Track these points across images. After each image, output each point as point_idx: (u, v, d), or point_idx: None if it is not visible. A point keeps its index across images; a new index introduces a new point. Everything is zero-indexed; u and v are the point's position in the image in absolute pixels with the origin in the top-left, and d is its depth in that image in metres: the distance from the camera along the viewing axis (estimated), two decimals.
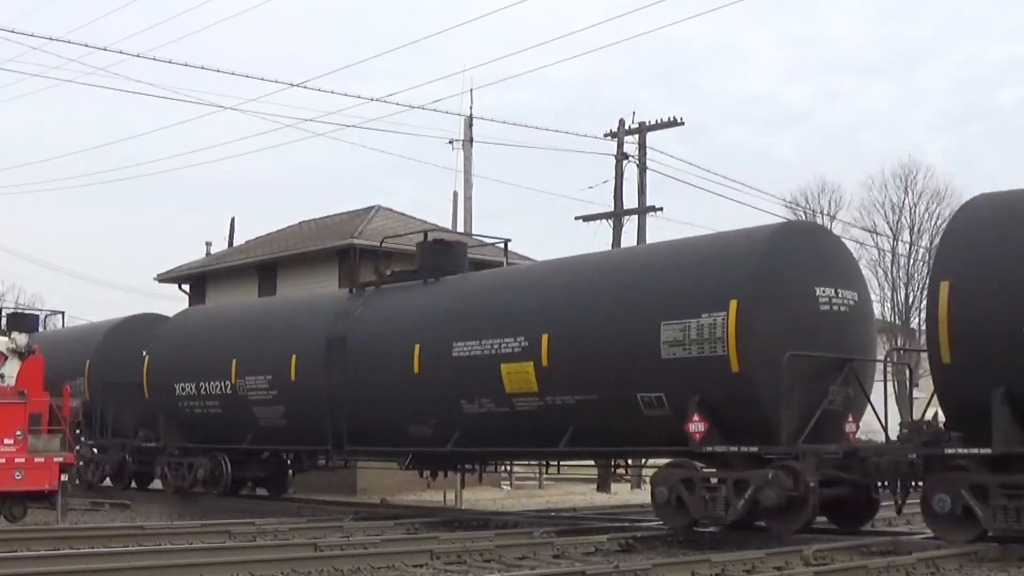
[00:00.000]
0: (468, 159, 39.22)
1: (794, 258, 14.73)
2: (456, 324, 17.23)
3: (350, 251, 26.98)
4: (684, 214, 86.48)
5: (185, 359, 21.79)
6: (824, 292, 14.66)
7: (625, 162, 32.25)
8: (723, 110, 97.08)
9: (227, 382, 20.67)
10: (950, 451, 12.75)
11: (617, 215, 31.99)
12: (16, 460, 17.07)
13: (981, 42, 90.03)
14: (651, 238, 31.53)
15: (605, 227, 32.54)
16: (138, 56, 29.38)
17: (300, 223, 35.02)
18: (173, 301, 38.92)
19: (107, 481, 24.72)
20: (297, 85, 38.56)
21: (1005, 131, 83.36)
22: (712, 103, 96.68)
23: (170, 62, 39.15)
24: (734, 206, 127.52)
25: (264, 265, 31.10)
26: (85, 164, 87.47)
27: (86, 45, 44.66)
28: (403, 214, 32.85)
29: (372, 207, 32.17)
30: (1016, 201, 13.27)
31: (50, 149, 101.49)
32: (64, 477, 17.38)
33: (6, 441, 17.09)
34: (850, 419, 14.71)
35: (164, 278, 35.15)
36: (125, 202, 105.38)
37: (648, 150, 32.40)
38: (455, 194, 40.56)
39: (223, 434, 20.98)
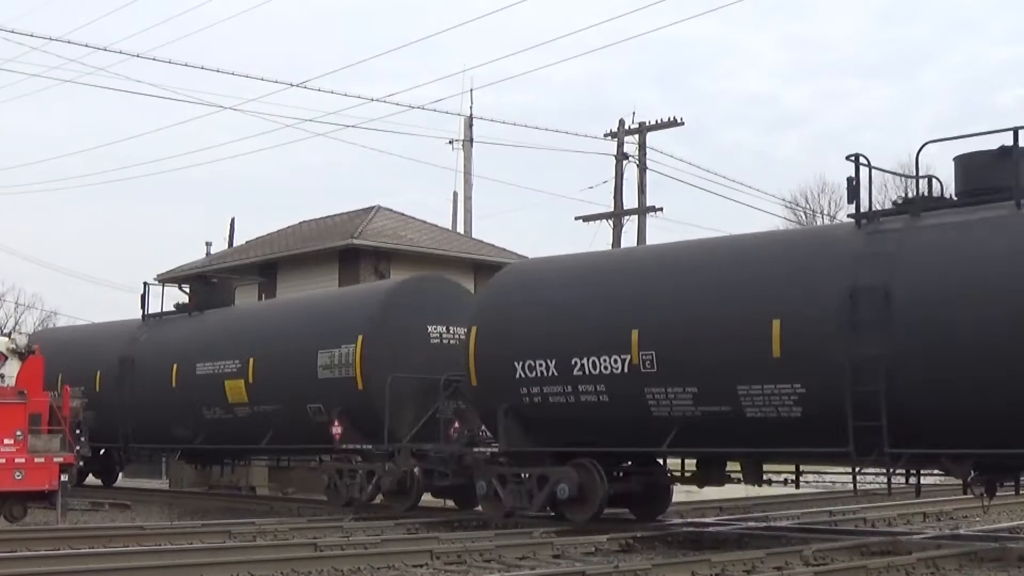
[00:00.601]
0: (468, 159, 39.33)
1: (410, 303, 19.23)
2: (200, 349, 22.11)
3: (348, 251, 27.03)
4: (684, 214, 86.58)
5: None
6: (436, 329, 19.24)
7: (625, 162, 32.29)
8: (724, 111, 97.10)
9: (55, 392, 24.62)
10: (477, 450, 17.08)
11: (617, 215, 32.03)
12: (16, 460, 17.06)
13: (981, 43, 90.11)
14: (651, 238, 31.57)
15: (605, 227, 32.63)
16: (138, 56, 29.54)
17: (300, 223, 35.02)
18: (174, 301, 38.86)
19: None
20: (297, 85, 38.57)
21: (1005, 132, 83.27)
22: (713, 104, 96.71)
23: (170, 62, 39.33)
24: (734, 206, 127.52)
25: (264, 265, 31.11)
26: (85, 164, 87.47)
27: (86, 45, 44.86)
28: (403, 214, 32.88)
29: (372, 207, 32.19)
30: (526, 269, 17.89)
31: (50, 149, 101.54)
32: (64, 477, 17.36)
33: (6, 441, 17.07)
34: (456, 425, 18.18)
35: (164, 278, 35.11)
36: (125, 202, 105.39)
37: (648, 150, 32.48)
38: (455, 194, 40.66)
39: None
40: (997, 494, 14.00)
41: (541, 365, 15.67)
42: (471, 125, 39.50)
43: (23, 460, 17.12)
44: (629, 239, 31.64)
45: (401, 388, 18.05)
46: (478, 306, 17.46)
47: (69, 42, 50.94)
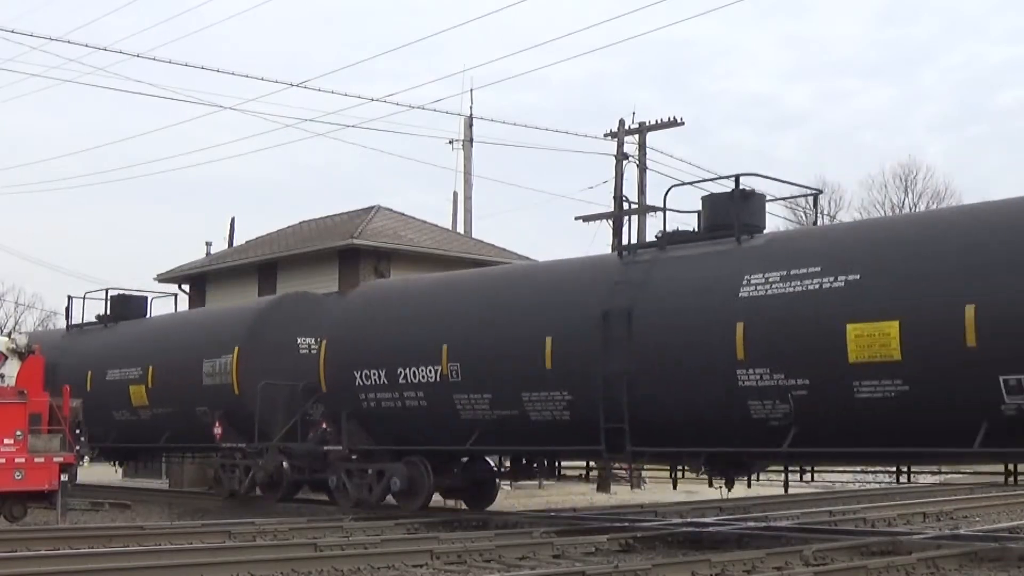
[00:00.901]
0: (468, 159, 39.31)
1: (281, 318, 21.77)
2: (110, 357, 24.41)
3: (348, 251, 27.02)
4: (684, 214, 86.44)
5: None
6: (304, 341, 21.56)
7: (625, 162, 32.24)
8: (724, 111, 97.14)
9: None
10: (326, 447, 19.33)
11: (617, 215, 31.98)
12: (16, 460, 17.05)
13: (981, 43, 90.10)
14: (651, 238, 31.47)
15: (605, 227, 32.55)
16: (138, 56, 29.51)
17: (300, 223, 35.00)
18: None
19: None
20: (297, 85, 38.59)
21: (1004, 132, 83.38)
22: (713, 104, 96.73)
23: (170, 62, 39.34)
24: None
25: (264, 265, 31.10)
26: (85, 164, 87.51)
27: (86, 45, 44.77)
28: (403, 214, 32.86)
29: (372, 207, 32.16)
30: (368, 291, 20.11)
31: (50, 149, 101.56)
32: (64, 477, 17.35)
33: (6, 441, 17.06)
34: (324, 425, 19.82)
35: (164, 278, 35.14)
36: (125, 202, 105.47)
37: (648, 150, 32.40)
38: (455, 194, 40.64)
39: None
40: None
41: (375, 374, 17.96)
42: (471, 125, 39.49)
43: (23, 460, 17.11)
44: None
45: (273, 393, 20.52)
46: (328, 322, 19.90)
47: (69, 42, 50.73)
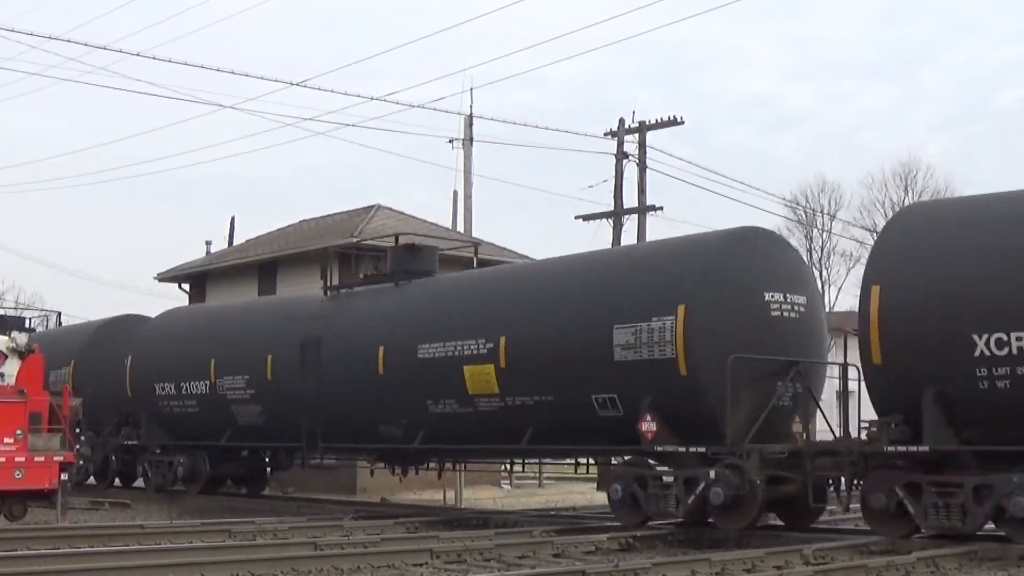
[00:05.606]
0: (468, 158, 39.14)
1: (114, 337, 25.73)
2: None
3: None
4: (684, 213, 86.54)
5: None
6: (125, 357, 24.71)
7: (625, 161, 32.21)
8: (724, 111, 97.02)
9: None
10: (128, 443, 24.00)
11: (617, 214, 31.96)
12: (16, 459, 17.06)
13: (981, 43, 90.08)
14: (651, 237, 31.49)
15: (605, 226, 32.54)
16: (138, 55, 29.42)
17: (300, 222, 34.97)
18: (174, 300, 38.90)
19: None
20: (297, 84, 38.43)
21: (1004, 132, 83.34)
22: (713, 104, 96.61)
23: (170, 61, 39.29)
24: (735, 205, 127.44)
25: (264, 264, 31.08)
26: (85, 164, 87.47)
27: (86, 44, 44.63)
28: (403, 213, 32.81)
29: (372, 206, 32.11)
30: (166, 315, 24.96)
31: (50, 149, 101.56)
32: (64, 476, 17.36)
33: (6, 440, 17.07)
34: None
35: (164, 277, 35.13)
36: (125, 202, 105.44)
37: (648, 149, 32.36)
38: (455, 193, 40.50)
39: None
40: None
41: (168, 386, 22.56)
42: (471, 124, 39.38)
43: (23, 459, 17.13)
44: (629, 238, 31.61)
45: (99, 400, 23.35)
46: (134, 341, 24.24)
47: (69, 40, 50.47)
